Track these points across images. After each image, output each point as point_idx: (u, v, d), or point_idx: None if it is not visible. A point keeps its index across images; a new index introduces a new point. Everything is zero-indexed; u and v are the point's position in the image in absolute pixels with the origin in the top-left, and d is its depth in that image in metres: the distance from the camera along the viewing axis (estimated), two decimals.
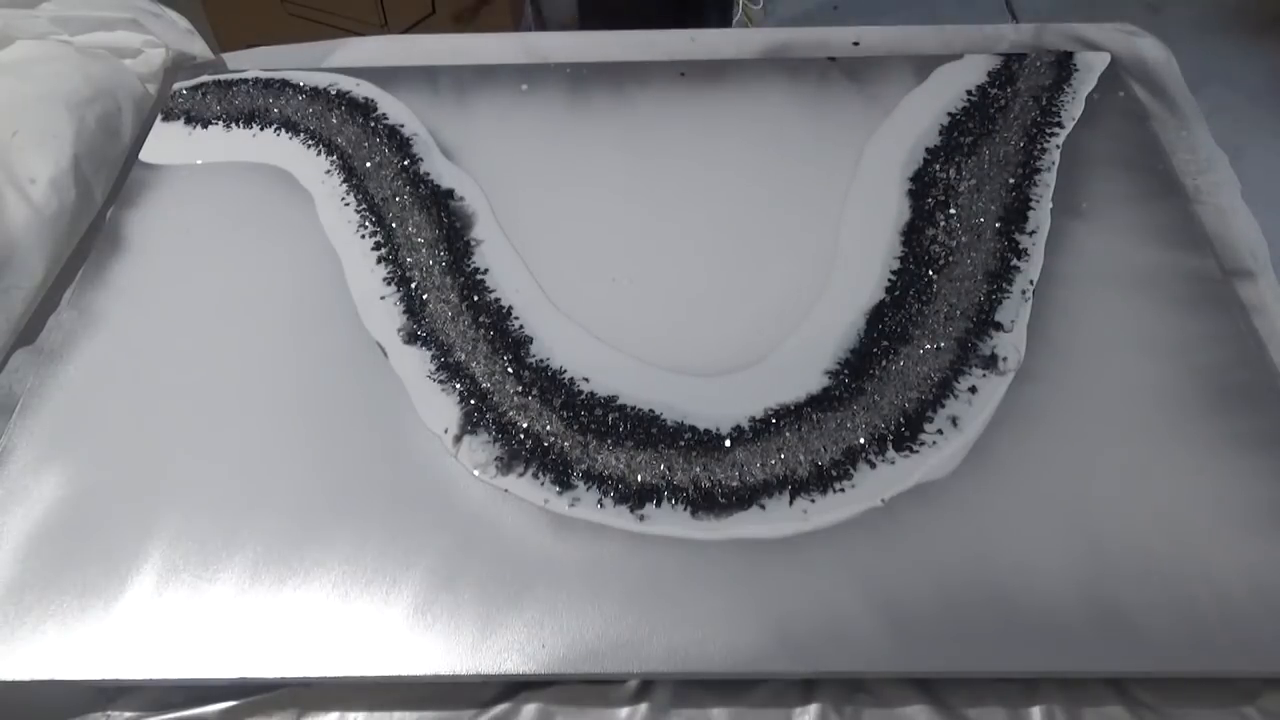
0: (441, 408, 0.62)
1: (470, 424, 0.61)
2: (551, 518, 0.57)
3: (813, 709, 0.52)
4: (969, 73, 0.82)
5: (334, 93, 0.83)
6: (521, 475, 0.58)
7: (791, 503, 0.57)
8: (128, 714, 0.54)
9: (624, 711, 0.53)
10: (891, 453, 0.59)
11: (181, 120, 0.81)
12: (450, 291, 0.69)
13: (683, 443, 0.60)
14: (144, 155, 0.79)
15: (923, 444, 0.59)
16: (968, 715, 0.52)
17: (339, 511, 0.57)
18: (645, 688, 0.53)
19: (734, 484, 0.58)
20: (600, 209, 0.74)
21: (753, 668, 0.51)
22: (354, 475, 0.59)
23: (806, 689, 0.53)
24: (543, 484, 0.58)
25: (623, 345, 0.65)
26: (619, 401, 0.62)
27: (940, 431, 0.60)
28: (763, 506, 0.57)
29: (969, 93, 0.81)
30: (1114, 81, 0.82)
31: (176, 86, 0.84)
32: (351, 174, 0.77)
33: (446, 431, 0.61)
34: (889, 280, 0.68)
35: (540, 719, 0.52)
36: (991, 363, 0.63)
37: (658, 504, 0.57)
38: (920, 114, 0.79)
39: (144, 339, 0.67)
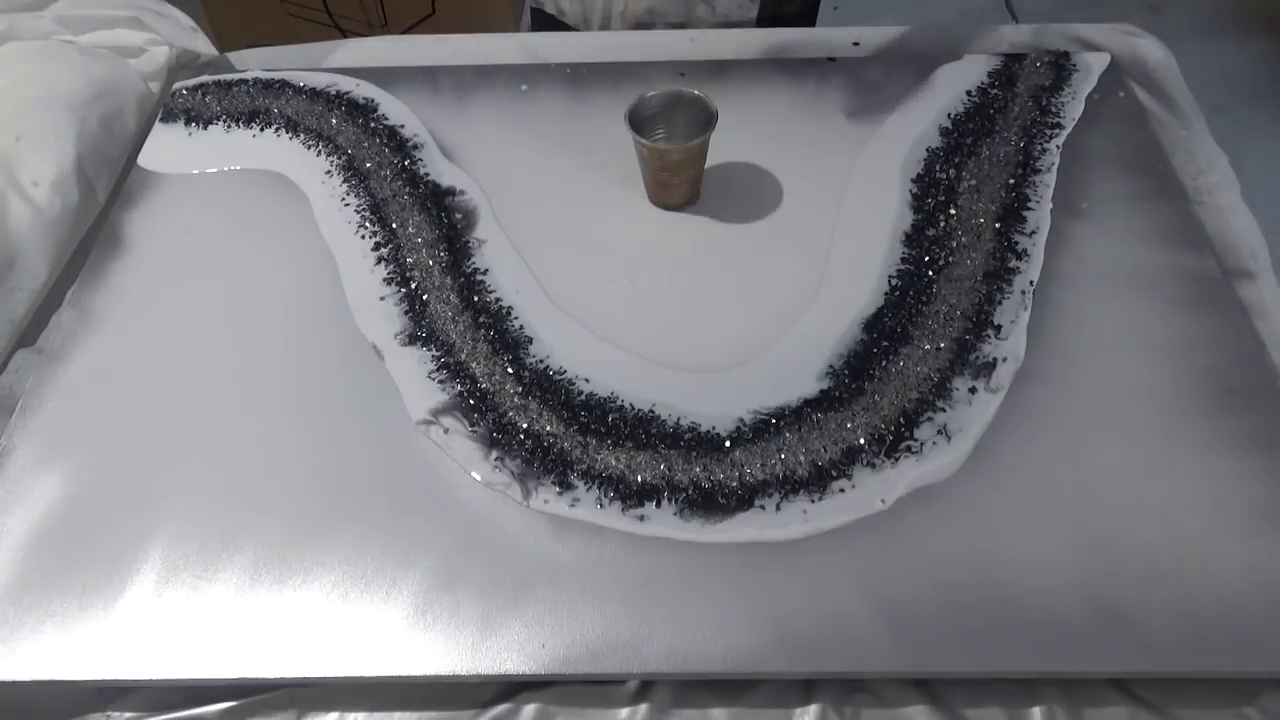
0: (440, 407, 0.62)
1: (471, 423, 0.61)
2: (551, 518, 0.57)
3: (813, 709, 0.52)
4: (969, 73, 0.83)
5: (334, 93, 0.83)
6: (532, 484, 0.58)
7: (791, 503, 0.57)
8: (128, 714, 0.54)
9: (624, 712, 0.53)
10: (892, 453, 0.59)
11: (182, 120, 0.82)
12: (450, 291, 0.69)
13: (683, 443, 0.60)
14: (143, 157, 0.79)
15: (923, 445, 0.59)
16: (968, 715, 0.52)
17: (339, 512, 0.57)
18: (645, 688, 0.53)
19: (734, 484, 0.58)
20: (600, 209, 0.74)
21: (753, 668, 0.51)
22: (354, 476, 0.59)
23: (806, 689, 0.53)
24: (543, 484, 0.58)
25: (623, 345, 0.65)
26: (619, 402, 0.62)
27: (940, 432, 0.60)
28: (762, 507, 0.57)
29: (969, 93, 0.81)
30: (1114, 82, 0.82)
31: (176, 86, 0.84)
32: (352, 174, 0.77)
33: (447, 432, 0.61)
34: (889, 281, 0.68)
35: (540, 719, 0.52)
36: (991, 364, 0.63)
37: (657, 504, 0.57)
38: (920, 114, 0.79)
39: (144, 339, 0.67)
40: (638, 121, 0.70)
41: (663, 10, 0.97)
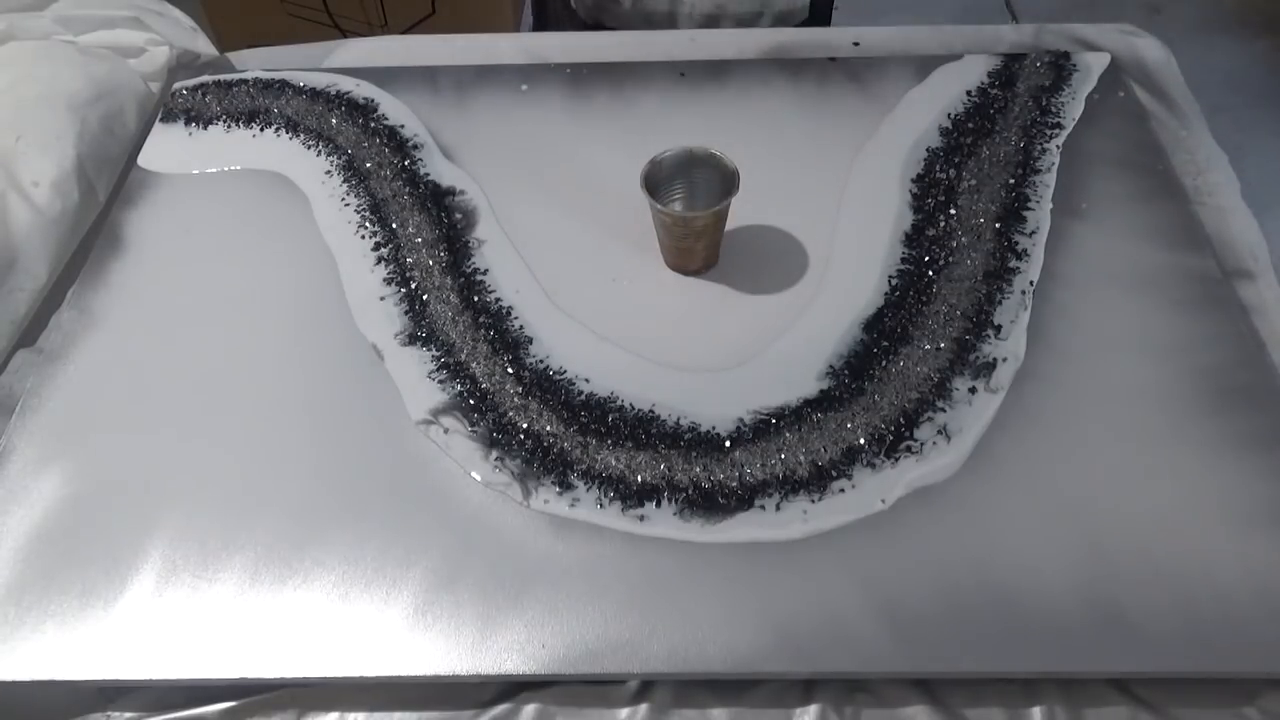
0: (440, 407, 0.62)
1: (471, 423, 0.61)
2: (551, 518, 0.57)
3: (813, 709, 0.52)
4: (969, 73, 0.83)
5: (334, 93, 0.83)
6: (532, 484, 0.58)
7: (791, 503, 0.57)
8: (128, 714, 0.54)
9: (624, 712, 0.53)
10: (892, 453, 0.59)
11: (182, 120, 0.81)
12: (450, 292, 0.69)
13: (683, 443, 0.60)
14: (143, 157, 0.79)
15: (923, 445, 0.59)
16: (968, 715, 0.52)
17: (339, 512, 0.57)
18: (645, 688, 0.53)
19: (734, 484, 0.58)
20: (600, 209, 0.74)
21: (753, 668, 0.51)
22: (354, 475, 0.59)
23: (806, 689, 0.53)
24: (543, 484, 0.58)
25: (623, 345, 0.65)
26: (619, 402, 0.62)
27: (940, 432, 0.60)
28: (762, 507, 0.57)
29: (969, 93, 0.81)
30: (1114, 82, 0.82)
31: (177, 86, 0.84)
32: (352, 174, 0.77)
33: (447, 432, 0.61)
34: (889, 281, 0.68)
35: (540, 719, 0.52)
36: (991, 364, 0.63)
37: (657, 504, 0.57)
38: (920, 114, 0.79)
39: (144, 339, 0.67)
40: (653, 186, 0.66)
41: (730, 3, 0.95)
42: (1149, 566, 0.54)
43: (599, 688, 0.53)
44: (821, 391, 0.62)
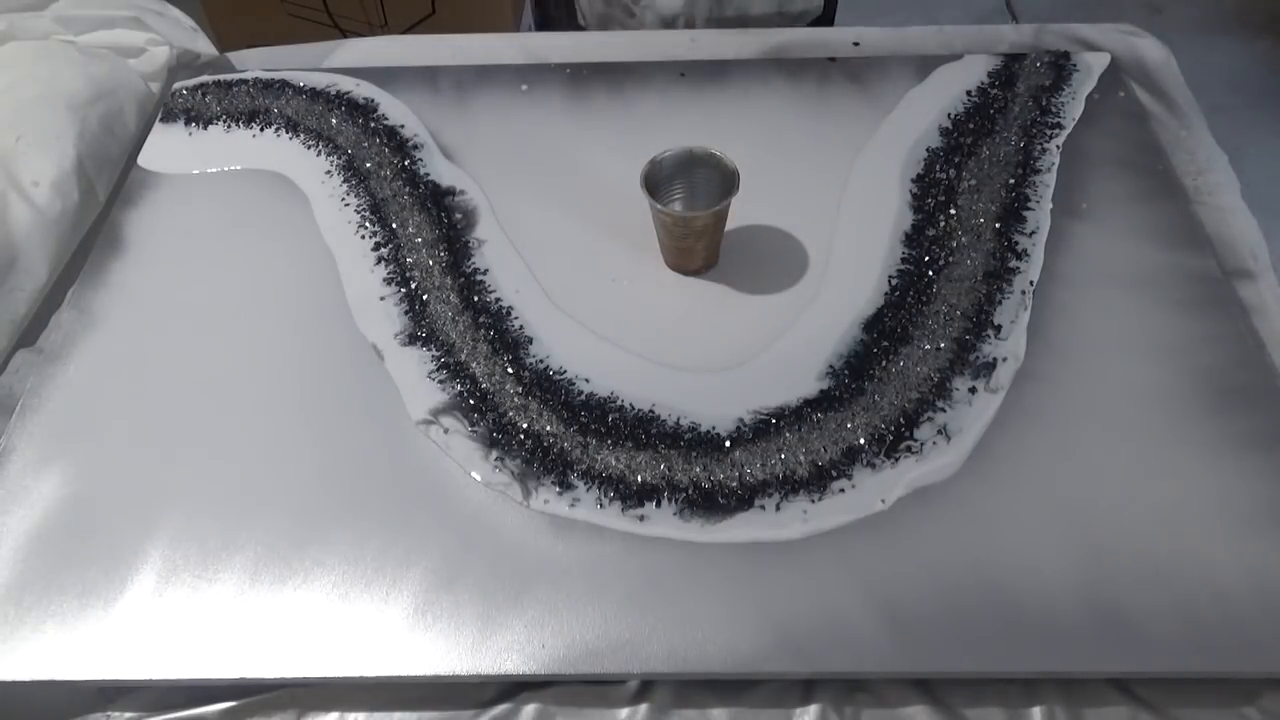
0: (440, 407, 0.62)
1: (471, 424, 0.61)
2: (551, 518, 0.57)
3: (813, 709, 0.52)
4: (969, 73, 0.83)
5: (334, 93, 0.83)
6: (532, 484, 0.58)
7: (791, 503, 0.57)
8: (128, 714, 0.54)
9: (624, 712, 0.53)
10: (892, 453, 0.59)
11: (182, 120, 0.81)
12: (450, 292, 0.69)
13: (683, 443, 0.60)
14: (143, 157, 0.79)
15: (923, 445, 0.59)
16: (968, 715, 0.52)
17: (339, 511, 0.57)
18: (645, 688, 0.53)
19: (734, 484, 0.58)
20: (600, 209, 0.74)
21: (753, 668, 0.51)
22: (354, 475, 0.59)
23: (806, 689, 0.53)
24: (543, 484, 0.58)
25: (623, 345, 0.65)
26: (619, 402, 0.62)
27: (940, 432, 0.60)
28: (762, 507, 0.57)
29: (969, 93, 0.81)
30: (1114, 82, 0.82)
31: (176, 86, 0.84)
32: (352, 174, 0.77)
33: (447, 432, 0.61)
34: (889, 281, 0.68)
35: (540, 719, 0.52)
36: (991, 364, 0.63)
37: (657, 504, 0.57)
38: (920, 114, 0.79)
39: (144, 339, 0.67)
40: (653, 186, 0.66)
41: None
42: (1149, 566, 0.54)
43: (599, 688, 0.53)
44: (821, 391, 0.62)
